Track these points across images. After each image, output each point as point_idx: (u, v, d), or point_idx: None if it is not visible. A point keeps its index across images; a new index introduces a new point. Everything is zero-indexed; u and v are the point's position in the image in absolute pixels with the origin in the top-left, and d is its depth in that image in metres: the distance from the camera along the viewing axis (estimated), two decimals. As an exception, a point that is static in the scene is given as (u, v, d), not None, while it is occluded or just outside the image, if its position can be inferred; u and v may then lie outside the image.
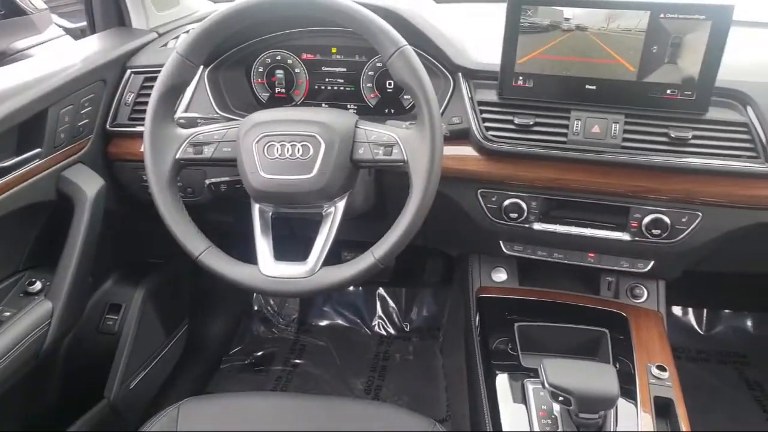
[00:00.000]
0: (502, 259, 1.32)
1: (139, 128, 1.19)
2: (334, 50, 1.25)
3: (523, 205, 1.13)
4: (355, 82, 1.26)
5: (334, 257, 0.96)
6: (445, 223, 1.19)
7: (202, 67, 1.23)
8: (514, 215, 1.13)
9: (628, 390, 1.03)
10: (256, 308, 2.11)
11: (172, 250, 1.00)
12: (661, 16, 0.97)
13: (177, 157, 0.98)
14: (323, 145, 0.94)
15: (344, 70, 1.26)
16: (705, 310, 1.97)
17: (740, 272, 1.47)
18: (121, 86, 1.27)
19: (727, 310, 1.97)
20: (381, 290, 2.10)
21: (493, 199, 1.14)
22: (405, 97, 1.26)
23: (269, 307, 2.11)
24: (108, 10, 1.45)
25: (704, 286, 1.73)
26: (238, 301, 2.07)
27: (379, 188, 1.20)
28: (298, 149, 0.94)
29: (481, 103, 1.11)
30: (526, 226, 1.15)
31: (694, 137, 1.02)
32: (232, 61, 1.28)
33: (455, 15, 1.30)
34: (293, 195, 0.96)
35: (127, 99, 1.26)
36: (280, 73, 1.28)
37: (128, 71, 1.28)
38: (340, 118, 0.97)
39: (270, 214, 1.00)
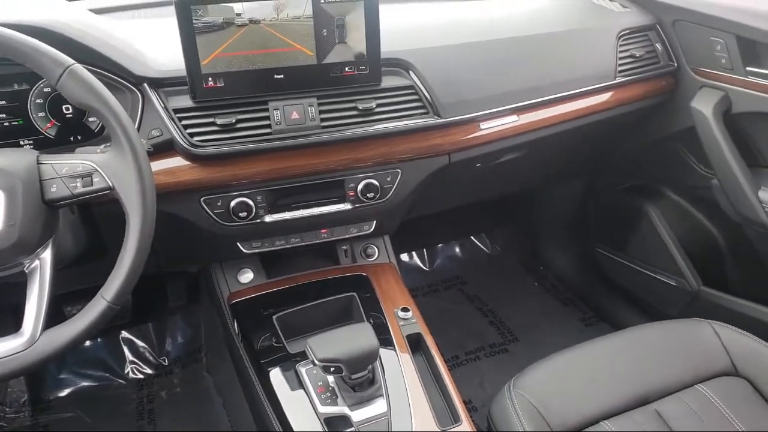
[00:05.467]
0: (245, 260, 1.31)
1: None
2: None
3: (250, 202, 1.13)
4: (22, 114, 1.08)
5: (56, 317, 0.83)
6: (176, 240, 1.13)
7: None
8: (243, 214, 1.13)
9: (385, 339, 1.14)
10: (-33, 407, 1.72)
11: None
12: (322, 1, 1.05)
13: None
14: (2, 194, 0.80)
15: (4, 103, 1.07)
16: (425, 250, 2.32)
17: (440, 211, 1.76)
18: None
19: (440, 245, 2.34)
20: (124, 333, 1.90)
21: (219, 203, 1.12)
22: (90, 119, 1.13)
23: (-14, 400, 1.74)
24: None
25: (419, 230, 2.01)
26: None
27: (90, 224, 1.08)
28: (-30, 205, 0.79)
29: (177, 111, 1.07)
30: (258, 221, 1.16)
31: (378, 105, 1.15)
32: None
33: (122, 23, 1.20)
34: None
35: None
36: None
37: None
38: (14, 158, 0.83)
39: (-46, 290, 0.82)
